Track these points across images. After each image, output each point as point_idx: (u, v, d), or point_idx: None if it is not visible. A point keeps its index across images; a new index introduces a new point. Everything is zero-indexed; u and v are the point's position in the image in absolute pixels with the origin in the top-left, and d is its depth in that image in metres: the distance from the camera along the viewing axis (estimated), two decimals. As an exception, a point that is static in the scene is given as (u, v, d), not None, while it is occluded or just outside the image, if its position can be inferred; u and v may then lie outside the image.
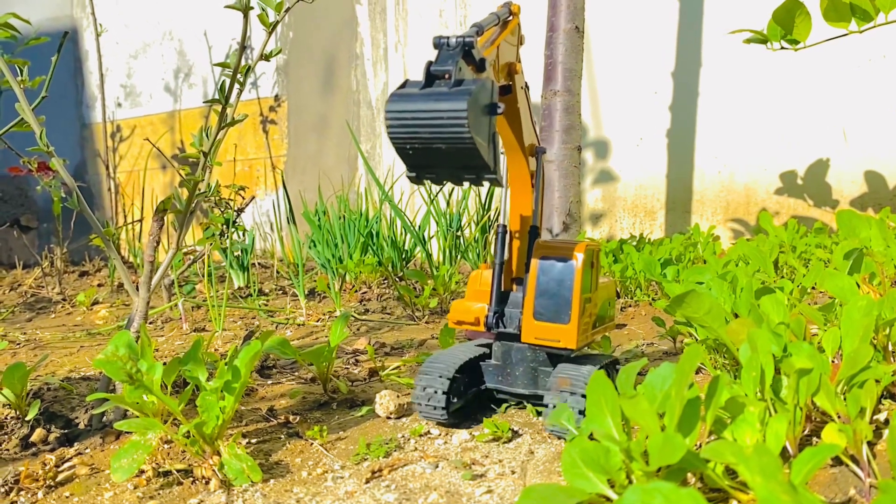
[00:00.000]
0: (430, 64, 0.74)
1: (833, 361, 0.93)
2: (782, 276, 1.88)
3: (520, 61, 1.05)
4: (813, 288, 1.36)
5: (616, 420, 0.77)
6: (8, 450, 1.04)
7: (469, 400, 1.10)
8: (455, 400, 1.05)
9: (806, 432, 0.92)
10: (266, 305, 2.30)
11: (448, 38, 0.77)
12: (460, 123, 0.68)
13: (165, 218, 1.19)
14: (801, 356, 0.82)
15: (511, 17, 1.02)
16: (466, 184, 0.78)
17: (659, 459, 0.65)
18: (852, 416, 0.78)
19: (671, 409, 0.73)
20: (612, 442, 0.72)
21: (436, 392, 1.03)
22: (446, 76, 0.73)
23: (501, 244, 1.08)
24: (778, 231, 2.25)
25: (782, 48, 2.01)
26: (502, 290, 1.09)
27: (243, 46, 1.11)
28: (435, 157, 0.73)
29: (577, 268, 1.01)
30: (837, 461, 0.83)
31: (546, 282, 1.02)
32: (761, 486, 0.58)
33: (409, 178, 0.77)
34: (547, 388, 1.01)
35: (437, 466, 0.91)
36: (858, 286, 1.07)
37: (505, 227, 1.09)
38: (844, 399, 0.81)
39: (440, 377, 1.03)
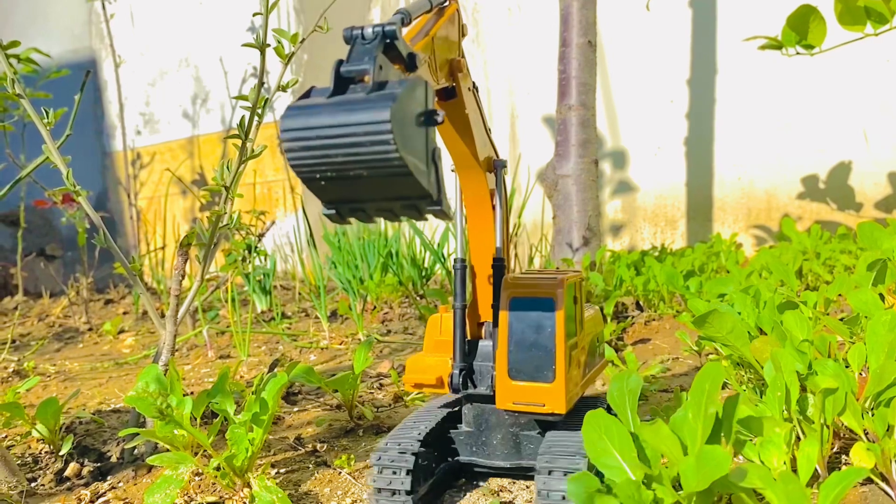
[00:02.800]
0: (339, 64, 0.56)
1: (860, 374, 0.93)
2: (807, 285, 1.86)
3: (464, 56, 0.86)
4: (840, 296, 1.34)
5: (628, 454, 0.74)
6: (44, 485, 1.06)
7: (439, 480, 0.90)
8: (423, 483, 0.86)
9: (834, 450, 0.91)
10: (289, 329, 2.32)
11: (362, 28, 0.59)
12: (383, 140, 0.50)
13: (189, 251, 1.21)
14: (827, 374, 0.82)
15: (448, 2, 0.81)
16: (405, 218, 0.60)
17: (696, 482, 0.64)
18: (880, 435, 0.78)
19: (690, 432, 0.72)
20: (626, 474, 0.71)
21: (396, 474, 0.83)
22: (362, 78, 0.55)
23: (461, 283, 0.89)
24: (801, 237, 2.23)
25: (797, 54, 2.01)
26: (468, 339, 0.91)
27: (261, 82, 1.13)
28: (357, 187, 0.54)
29: (559, 310, 0.82)
30: (867, 480, 0.82)
31: (521, 330, 0.83)
32: (789, 512, 0.58)
33: (326, 216, 0.57)
34: (535, 462, 0.80)
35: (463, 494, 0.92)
36: (882, 298, 1.06)
37: (463, 261, 0.90)
38: (872, 416, 0.81)
39: (401, 454, 0.84)
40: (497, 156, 0.93)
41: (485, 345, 0.91)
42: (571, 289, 0.87)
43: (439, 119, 0.56)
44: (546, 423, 0.87)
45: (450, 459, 0.92)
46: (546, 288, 0.84)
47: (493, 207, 0.92)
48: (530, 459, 0.87)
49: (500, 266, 0.91)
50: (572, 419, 0.84)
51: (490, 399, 0.87)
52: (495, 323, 0.86)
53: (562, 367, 0.81)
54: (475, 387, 0.89)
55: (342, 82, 0.55)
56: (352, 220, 0.59)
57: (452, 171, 0.88)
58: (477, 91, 0.89)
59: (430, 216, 0.57)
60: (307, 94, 0.56)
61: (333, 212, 0.58)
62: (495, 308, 0.88)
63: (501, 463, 0.89)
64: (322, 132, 0.52)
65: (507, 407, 0.84)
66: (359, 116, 0.51)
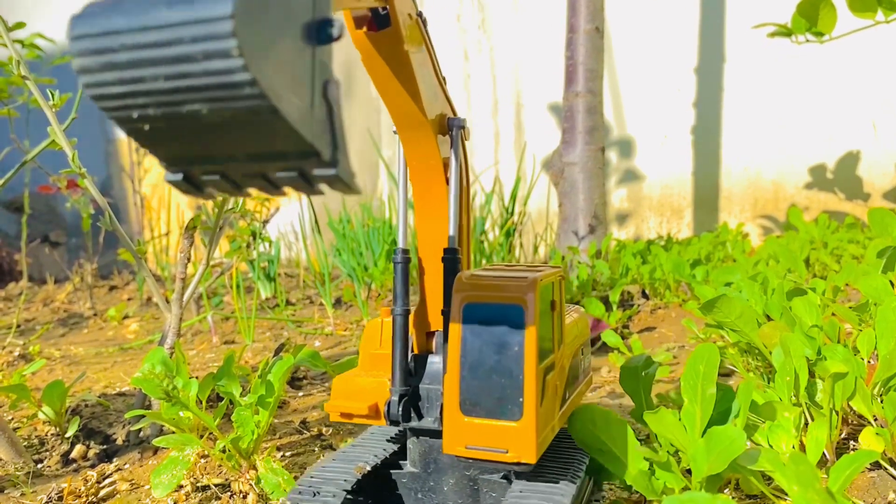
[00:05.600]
0: None
1: (869, 362, 0.92)
2: (814, 274, 1.85)
3: None
4: (847, 285, 1.34)
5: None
6: (50, 466, 1.06)
7: None
8: None
9: (843, 436, 0.91)
10: (294, 316, 2.32)
11: None
12: (222, 50, 0.31)
13: (194, 235, 1.21)
14: (836, 360, 0.81)
15: None
16: (290, 194, 0.40)
17: (708, 466, 0.64)
18: (889, 420, 0.77)
19: (688, 416, 0.72)
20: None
21: None
22: None
23: (402, 282, 0.70)
24: (808, 227, 2.22)
25: (807, 41, 1.99)
26: (413, 353, 0.73)
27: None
28: (203, 135, 0.35)
29: (530, 321, 0.61)
30: (876, 465, 0.82)
31: (477, 349, 0.62)
32: (799, 494, 0.58)
33: (171, 183, 0.39)
34: None
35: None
36: (893, 285, 1.06)
37: (406, 253, 0.71)
38: (881, 402, 0.80)
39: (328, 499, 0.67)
40: (454, 113, 0.73)
41: (435, 362, 0.71)
42: (547, 291, 0.66)
43: (334, 32, 0.37)
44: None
45: None
46: (512, 291, 0.62)
47: (447, 181, 0.71)
48: None
49: (452, 260, 0.70)
50: (549, 462, 0.70)
51: (440, 434, 0.67)
52: (446, 336, 0.65)
53: (532, 399, 0.60)
54: (420, 418, 0.69)
55: None
56: (213, 190, 0.39)
57: (394, 132, 0.68)
58: (425, 23, 0.67)
59: (324, 186, 0.38)
60: None
61: (180, 177, 0.38)
62: (446, 315, 0.67)
63: None
64: (132, 40, 0.32)
65: (457, 452, 0.63)
66: (185, 11, 0.31)
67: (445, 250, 0.70)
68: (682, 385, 0.74)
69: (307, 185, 0.38)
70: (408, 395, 0.69)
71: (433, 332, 0.74)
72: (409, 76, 0.63)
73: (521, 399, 0.61)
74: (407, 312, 0.70)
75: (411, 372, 0.71)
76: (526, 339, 0.61)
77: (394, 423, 0.68)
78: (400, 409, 0.68)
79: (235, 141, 0.36)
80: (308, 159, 0.37)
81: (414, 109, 0.65)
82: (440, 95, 0.70)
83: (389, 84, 0.63)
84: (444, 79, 0.72)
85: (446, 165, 0.71)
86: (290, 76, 0.35)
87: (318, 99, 0.37)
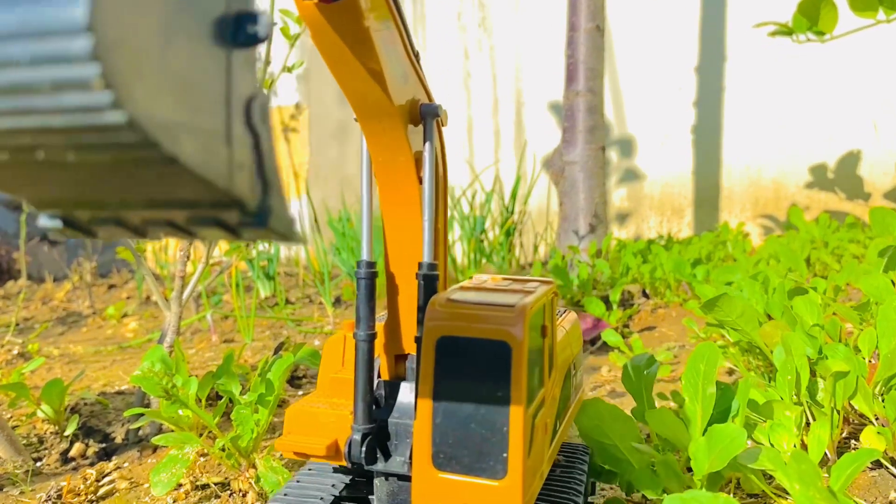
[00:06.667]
0: None
1: (870, 361, 0.92)
2: (815, 274, 1.85)
3: None
4: (848, 284, 1.34)
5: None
6: (49, 465, 1.06)
7: None
8: None
9: (844, 435, 0.90)
10: (293, 314, 2.32)
11: None
12: (80, 80, 0.20)
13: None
14: (837, 358, 0.81)
15: None
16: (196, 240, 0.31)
17: (709, 463, 0.63)
18: (890, 419, 0.77)
19: (690, 415, 0.72)
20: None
21: None
22: None
23: (366, 301, 0.59)
24: (809, 226, 2.22)
25: (808, 40, 1.99)
26: (378, 381, 0.61)
27: (267, 61, 1.13)
28: (79, 176, 0.25)
29: (517, 361, 0.51)
30: (877, 464, 0.81)
31: (453, 392, 0.52)
32: (800, 493, 0.57)
33: (45, 227, 0.28)
34: None
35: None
36: (894, 284, 1.05)
37: (371, 266, 0.60)
38: (882, 401, 0.80)
39: None
40: (429, 98, 0.60)
41: (407, 391, 0.61)
42: (538, 317, 0.56)
43: (259, 31, 0.26)
44: None
45: None
46: (496, 323, 0.52)
47: (420, 180, 0.59)
48: None
49: (430, 277, 0.59)
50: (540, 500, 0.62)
51: (410, 479, 0.57)
52: (418, 370, 0.55)
53: (518, 454, 0.51)
54: (387, 458, 0.59)
55: None
56: (101, 231, 0.28)
57: (355, 120, 0.57)
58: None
59: (246, 238, 0.28)
60: None
61: (59, 223, 0.28)
62: (419, 343, 0.55)
63: None
64: None
65: None
66: (25, 14, 0.20)
67: (421, 265, 0.59)
68: (683, 383, 0.74)
69: (231, 234, 0.28)
70: (372, 434, 0.58)
71: (404, 356, 0.62)
72: (371, 55, 0.50)
73: (505, 454, 0.51)
74: (372, 337, 0.59)
75: (378, 403, 0.61)
76: (512, 382, 0.51)
77: (354, 464, 0.58)
78: (363, 450, 0.57)
79: (124, 186, 0.25)
80: (226, 210, 0.26)
81: (378, 94, 0.53)
82: (411, 77, 0.57)
83: (346, 65, 0.51)
84: (417, 55, 0.58)
85: (419, 161, 0.59)
86: (192, 100, 0.24)
87: (237, 126, 0.26)
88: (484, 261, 2.67)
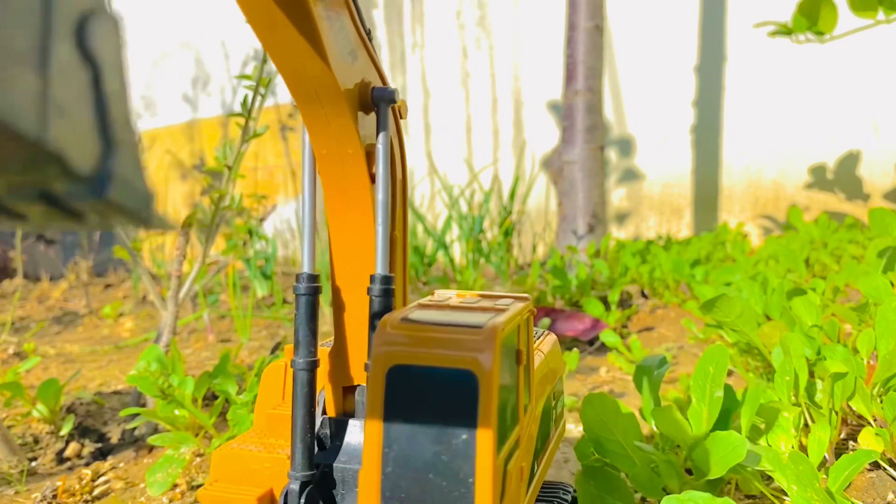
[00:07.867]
0: None
1: (868, 362, 0.91)
2: (814, 274, 1.85)
3: None
4: (847, 285, 1.33)
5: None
6: (44, 464, 1.06)
7: None
8: None
9: (842, 436, 0.90)
10: (290, 314, 2.32)
11: None
12: None
13: (190, 232, 1.20)
14: (836, 359, 0.81)
15: None
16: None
17: (711, 470, 0.63)
18: (889, 420, 0.77)
19: (695, 417, 0.72)
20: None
21: None
22: None
23: (306, 322, 0.49)
24: (808, 227, 2.21)
25: (808, 40, 1.98)
26: (323, 419, 0.53)
27: (265, 59, 1.12)
28: None
29: (486, 395, 0.42)
30: (875, 465, 0.81)
31: (408, 434, 0.43)
32: (798, 494, 0.57)
33: None
34: None
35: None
36: (893, 285, 1.05)
37: (313, 280, 0.50)
38: (881, 402, 0.80)
39: None
40: (383, 81, 0.52)
41: (355, 430, 0.52)
42: (512, 339, 0.47)
43: None
44: None
45: None
46: (460, 348, 0.42)
47: (372, 178, 0.50)
48: None
49: (383, 292, 0.50)
50: None
51: None
52: (362, 401, 0.48)
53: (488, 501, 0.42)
54: None
55: None
56: None
57: (294, 106, 0.52)
58: None
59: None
60: None
61: None
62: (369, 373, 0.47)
63: None
64: None
65: None
66: None
67: (373, 278, 0.50)
68: (691, 385, 0.74)
69: (60, 210, 0.20)
70: (313, 482, 0.48)
71: (354, 387, 0.53)
72: (310, 26, 0.42)
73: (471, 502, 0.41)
74: (313, 365, 0.49)
75: (323, 444, 0.51)
76: (479, 421, 0.41)
77: None
78: (301, 502, 0.48)
79: None
80: (46, 171, 0.19)
81: (317, 71, 0.44)
82: (361, 55, 0.49)
83: (276, 31, 0.42)
84: (368, 33, 0.50)
85: (371, 155, 0.50)
86: None
87: (61, 48, 0.18)
88: (482, 261, 2.67)
